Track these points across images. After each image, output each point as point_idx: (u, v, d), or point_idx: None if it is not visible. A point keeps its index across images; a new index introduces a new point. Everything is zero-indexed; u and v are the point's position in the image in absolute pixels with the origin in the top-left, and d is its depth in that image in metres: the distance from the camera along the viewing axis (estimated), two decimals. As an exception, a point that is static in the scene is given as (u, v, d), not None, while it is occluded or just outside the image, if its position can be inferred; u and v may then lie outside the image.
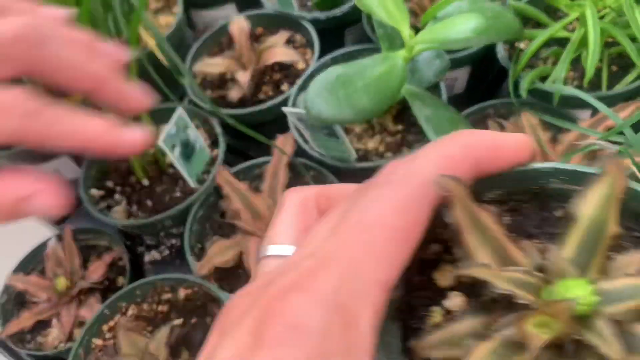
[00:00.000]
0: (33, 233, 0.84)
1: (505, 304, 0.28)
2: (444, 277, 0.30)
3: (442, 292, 0.30)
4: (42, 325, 0.65)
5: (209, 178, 0.66)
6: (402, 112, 0.69)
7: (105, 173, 0.73)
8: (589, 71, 0.57)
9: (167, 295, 0.60)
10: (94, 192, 0.70)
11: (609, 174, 0.29)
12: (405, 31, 0.57)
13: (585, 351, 0.27)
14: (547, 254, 0.29)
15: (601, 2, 0.62)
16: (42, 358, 0.64)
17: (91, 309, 0.64)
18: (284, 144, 0.66)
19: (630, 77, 0.63)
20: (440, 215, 0.29)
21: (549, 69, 0.65)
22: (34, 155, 0.76)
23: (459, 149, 0.24)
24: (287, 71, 0.76)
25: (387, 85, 0.55)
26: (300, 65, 0.75)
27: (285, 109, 0.57)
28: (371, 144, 0.66)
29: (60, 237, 0.70)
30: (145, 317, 0.59)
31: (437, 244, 0.33)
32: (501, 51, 0.69)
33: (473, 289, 0.30)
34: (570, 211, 0.30)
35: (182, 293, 0.59)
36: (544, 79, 0.65)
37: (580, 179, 0.32)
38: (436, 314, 0.29)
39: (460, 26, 0.52)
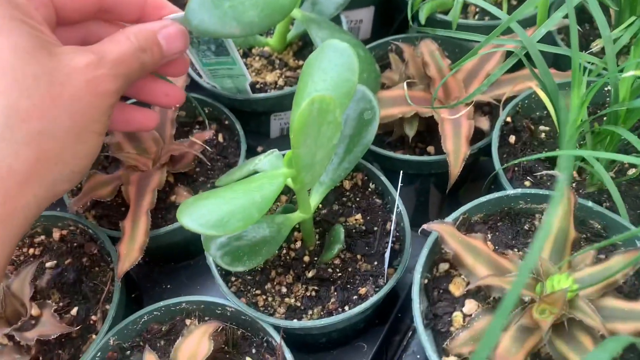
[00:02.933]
0: None
1: None
2: (457, 288, 0.42)
3: (457, 300, 0.42)
4: None
5: (92, 116, 0.61)
6: (303, 48, 0.66)
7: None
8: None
9: (39, 238, 0.53)
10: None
11: (566, 194, 0.42)
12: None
13: (575, 326, 0.37)
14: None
15: None
16: None
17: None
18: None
19: (529, 7, 0.62)
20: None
21: (449, 2, 0.64)
22: None
23: None
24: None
25: (277, 1, 0.51)
26: None
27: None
28: (270, 77, 0.62)
29: None
30: (13, 262, 0.52)
31: (445, 263, 0.45)
32: (403, -15, 0.67)
33: (479, 294, 0.42)
34: (537, 224, 0.44)
35: (56, 234, 0.53)
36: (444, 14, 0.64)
37: (541, 199, 0.44)
38: (458, 318, 0.42)
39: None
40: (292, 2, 0.53)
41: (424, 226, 0.42)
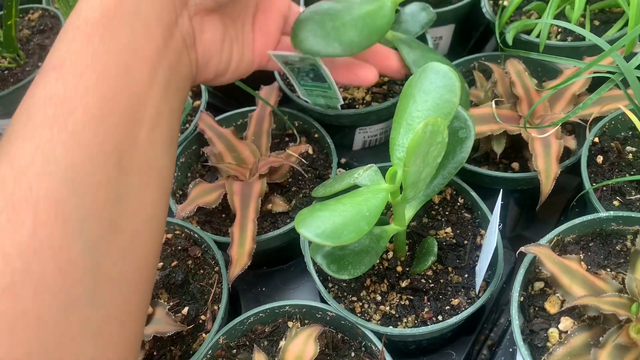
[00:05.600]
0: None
1: (602, 321, 0.41)
2: (552, 306, 0.45)
3: (553, 317, 0.44)
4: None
5: (190, 126, 0.65)
6: (387, 65, 0.68)
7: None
8: (576, 13, 0.58)
9: (146, 240, 0.57)
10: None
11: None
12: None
13: None
14: (619, 279, 0.45)
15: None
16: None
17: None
18: (268, 94, 0.65)
19: (612, 30, 0.64)
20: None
21: (532, 23, 0.65)
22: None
23: None
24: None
25: (375, 23, 0.54)
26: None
27: (270, 52, 0.56)
28: (358, 93, 0.65)
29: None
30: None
31: (540, 282, 0.47)
32: (486, 5, 0.69)
33: (574, 312, 0.44)
34: (629, 245, 0.46)
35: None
36: (527, 34, 0.66)
37: (633, 222, 0.47)
38: (554, 334, 0.44)
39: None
40: (389, 23, 0.56)
41: (522, 249, 0.44)
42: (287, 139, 0.66)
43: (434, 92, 0.47)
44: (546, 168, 0.52)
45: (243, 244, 0.51)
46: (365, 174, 0.51)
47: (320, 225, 0.42)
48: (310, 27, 0.52)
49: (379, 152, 0.70)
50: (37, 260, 0.28)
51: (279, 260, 0.62)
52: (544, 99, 0.54)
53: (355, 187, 0.50)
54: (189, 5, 0.41)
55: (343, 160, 0.69)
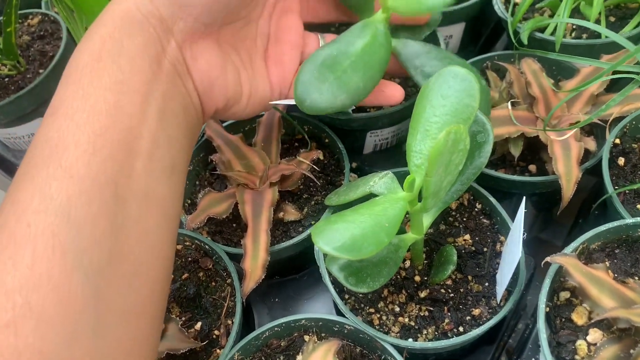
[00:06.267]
0: None
1: (633, 332, 0.39)
2: (579, 317, 0.43)
3: (580, 329, 0.43)
4: None
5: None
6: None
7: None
8: (595, 11, 0.56)
9: (155, 252, 0.56)
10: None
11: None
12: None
13: None
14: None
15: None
16: None
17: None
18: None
19: (629, 27, 0.62)
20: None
21: (546, 20, 0.64)
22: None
23: None
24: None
25: (374, 58, 0.50)
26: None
27: (272, 103, 0.53)
28: (367, 96, 0.63)
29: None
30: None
31: (565, 291, 0.45)
32: (498, 3, 0.67)
33: (603, 323, 0.42)
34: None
35: (172, 249, 0.55)
36: (540, 32, 0.64)
37: None
38: (582, 347, 0.42)
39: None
40: (388, 56, 0.53)
41: (548, 259, 0.43)
42: (296, 144, 0.64)
43: (452, 96, 0.46)
44: (567, 172, 0.51)
45: (256, 257, 0.49)
46: (381, 181, 0.49)
47: (339, 238, 0.40)
48: (313, 84, 0.49)
49: (390, 156, 0.68)
50: (36, 294, 0.29)
51: (292, 269, 0.61)
52: (564, 101, 0.52)
53: (370, 194, 0.48)
54: (174, 33, 0.40)
55: (354, 165, 0.68)
